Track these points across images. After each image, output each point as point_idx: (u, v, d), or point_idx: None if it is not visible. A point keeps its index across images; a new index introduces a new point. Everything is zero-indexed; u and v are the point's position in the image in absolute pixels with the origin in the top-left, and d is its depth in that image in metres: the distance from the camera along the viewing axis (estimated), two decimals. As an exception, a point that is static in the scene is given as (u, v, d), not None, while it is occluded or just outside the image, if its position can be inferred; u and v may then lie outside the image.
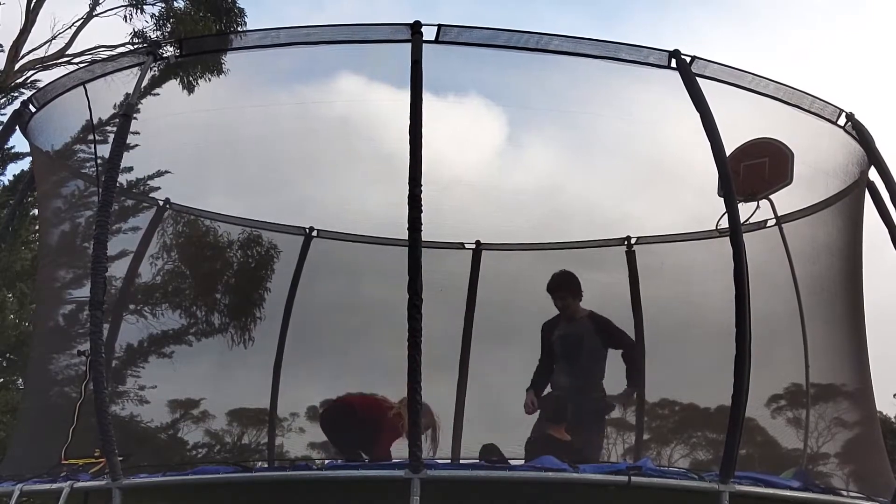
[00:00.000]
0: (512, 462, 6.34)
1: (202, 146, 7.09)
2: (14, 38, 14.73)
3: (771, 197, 7.21)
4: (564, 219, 8.17)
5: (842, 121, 6.62)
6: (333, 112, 6.87)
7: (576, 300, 7.03)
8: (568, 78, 6.13)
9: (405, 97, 5.24)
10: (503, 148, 7.80)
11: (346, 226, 8.58)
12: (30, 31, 14.83)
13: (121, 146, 5.48)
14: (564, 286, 7.04)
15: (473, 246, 8.94)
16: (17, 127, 6.93)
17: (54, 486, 5.26)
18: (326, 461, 8.64)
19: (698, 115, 5.49)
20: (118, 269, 7.69)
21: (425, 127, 5.13)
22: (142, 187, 8.96)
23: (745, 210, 6.87)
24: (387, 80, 6.14)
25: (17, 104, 9.11)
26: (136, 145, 6.65)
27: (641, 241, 8.75)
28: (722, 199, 5.53)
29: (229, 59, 6.69)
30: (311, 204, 8.41)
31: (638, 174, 7.54)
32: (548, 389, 7.13)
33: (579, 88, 6.34)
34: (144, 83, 5.90)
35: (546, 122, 7.04)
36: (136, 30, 15.15)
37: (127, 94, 5.81)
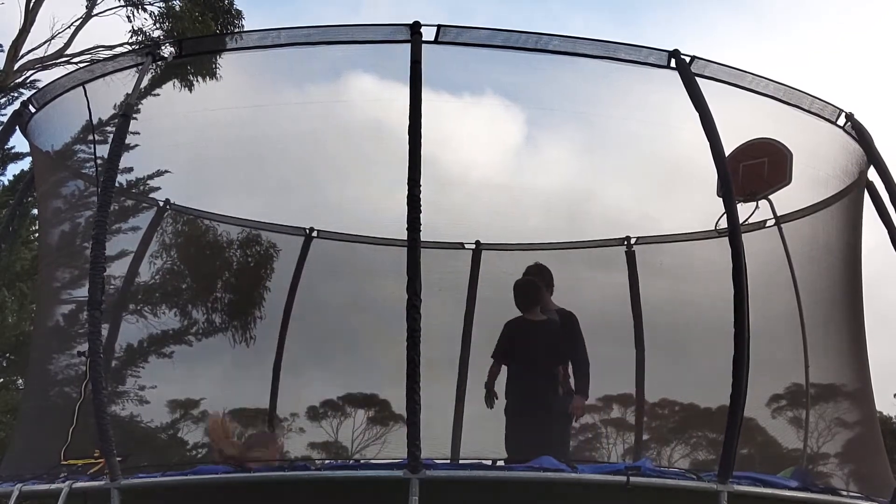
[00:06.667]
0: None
1: (202, 146, 7.10)
2: (13, 38, 14.74)
3: (770, 197, 7.21)
4: (577, 219, 8.19)
5: (841, 121, 6.62)
6: (338, 112, 6.87)
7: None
8: (582, 77, 6.12)
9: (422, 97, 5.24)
10: (519, 148, 7.82)
11: (348, 226, 8.58)
12: (29, 31, 14.84)
13: (119, 146, 5.48)
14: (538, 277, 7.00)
15: (473, 246, 8.94)
16: (17, 127, 6.93)
17: (53, 486, 5.26)
18: (326, 461, 8.66)
19: (697, 115, 5.49)
20: (118, 270, 7.70)
21: (438, 126, 5.13)
22: (142, 187, 8.97)
23: (744, 210, 6.89)
24: (395, 80, 6.13)
25: (16, 104, 9.12)
26: (136, 145, 6.66)
27: (641, 241, 8.76)
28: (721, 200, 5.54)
29: (230, 60, 6.70)
30: (313, 204, 8.40)
31: (649, 174, 7.55)
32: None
33: (593, 88, 6.33)
34: (144, 83, 5.90)
35: (561, 122, 7.04)
36: (135, 28, 15.18)
37: (127, 95, 5.81)
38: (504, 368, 6.78)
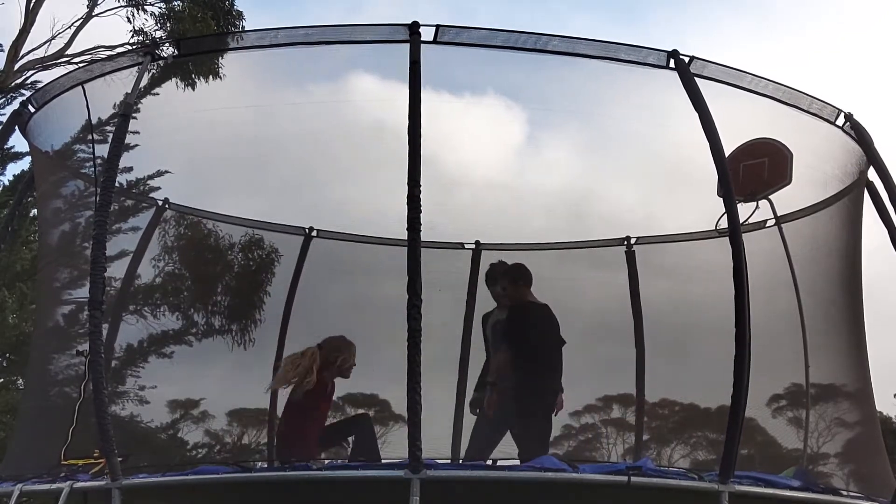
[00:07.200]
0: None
1: (203, 146, 7.09)
2: (14, 38, 14.72)
3: (770, 197, 7.21)
4: (577, 219, 8.19)
5: (840, 121, 6.62)
6: (339, 112, 6.86)
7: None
8: (584, 77, 6.12)
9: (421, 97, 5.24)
10: (521, 148, 7.82)
11: (349, 226, 8.58)
12: (29, 32, 14.81)
13: (119, 146, 5.49)
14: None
15: (473, 246, 8.94)
16: (17, 127, 6.93)
17: (54, 486, 5.26)
18: (326, 461, 8.65)
19: (697, 115, 5.49)
20: (118, 270, 7.69)
21: (439, 126, 5.13)
22: (142, 187, 8.97)
23: (744, 210, 6.88)
24: (396, 80, 6.13)
25: (16, 104, 9.12)
26: (136, 145, 6.66)
27: (641, 241, 8.76)
28: (721, 200, 5.53)
29: (231, 60, 6.70)
30: (314, 204, 8.40)
31: (650, 174, 7.55)
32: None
33: (594, 88, 6.33)
34: (143, 83, 5.90)
35: (563, 121, 7.05)
36: (135, 28, 15.17)
37: (126, 94, 5.81)
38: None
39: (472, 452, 6.69)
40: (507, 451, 6.74)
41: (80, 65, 13.11)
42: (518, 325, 6.68)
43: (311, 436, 6.46)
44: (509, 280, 6.87)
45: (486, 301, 8.74)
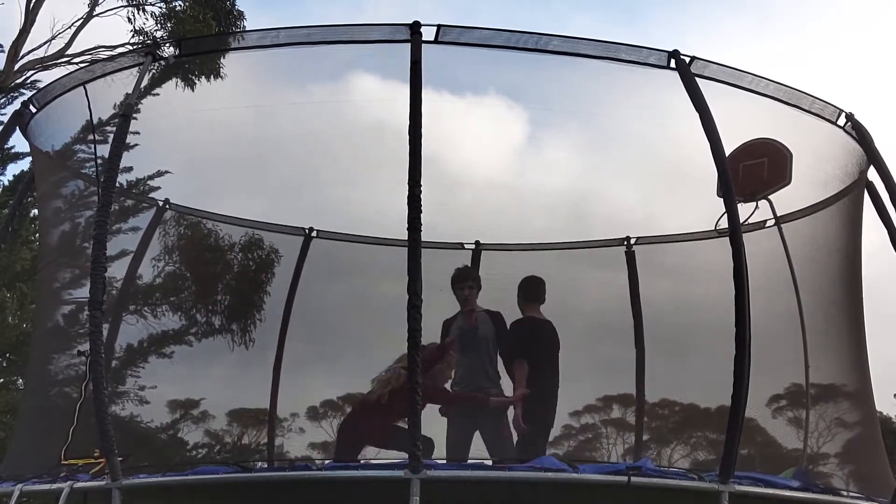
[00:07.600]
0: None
1: (203, 146, 7.10)
2: (14, 38, 14.70)
3: (770, 197, 7.21)
4: (578, 219, 8.20)
5: (841, 121, 6.62)
6: (340, 112, 6.86)
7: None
8: (584, 77, 6.13)
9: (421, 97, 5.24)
10: (522, 148, 7.83)
11: (350, 226, 8.59)
12: (29, 31, 14.79)
13: (120, 146, 5.49)
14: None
15: (473, 246, 8.94)
16: (18, 127, 6.93)
17: (54, 486, 5.26)
18: (326, 461, 8.66)
19: (697, 115, 5.50)
20: (118, 270, 7.70)
21: (440, 126, 5.12)
22: (142, 187, 8.97)
23: (744, 210, 6.89)
24: (397, 80, 6.13)
25: (16, 104, 9.14)
26: (137, 145, 6.66)
27: (641, 241, 8.76)
28: (721, 200, 5.54)
29: (232, 60, 6.70)
30: (314, 204, 8.41)
31: (650, 174, 7.55)
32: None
33: (595, 88, 6.33)
34: (144, 83, 5.90)
35: (564, 121, 7.06)
36: (136, 28, 15.16)
37: (127, 94, 5.81)
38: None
39: (453, 453, 6.70)
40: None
41: (81, 65, 13.09)
42: (521, 338, 6.74)
43: (383, 428, 6.29)
44: (525, 295, 6.90)
45: (485, 301, 8.75)
